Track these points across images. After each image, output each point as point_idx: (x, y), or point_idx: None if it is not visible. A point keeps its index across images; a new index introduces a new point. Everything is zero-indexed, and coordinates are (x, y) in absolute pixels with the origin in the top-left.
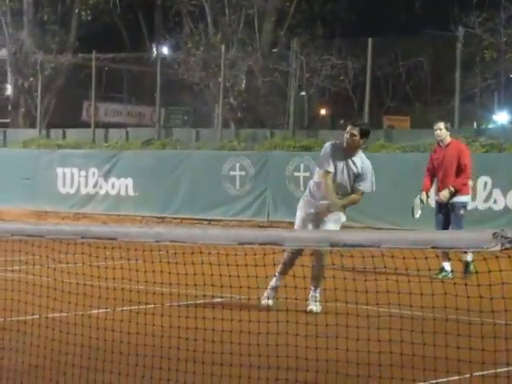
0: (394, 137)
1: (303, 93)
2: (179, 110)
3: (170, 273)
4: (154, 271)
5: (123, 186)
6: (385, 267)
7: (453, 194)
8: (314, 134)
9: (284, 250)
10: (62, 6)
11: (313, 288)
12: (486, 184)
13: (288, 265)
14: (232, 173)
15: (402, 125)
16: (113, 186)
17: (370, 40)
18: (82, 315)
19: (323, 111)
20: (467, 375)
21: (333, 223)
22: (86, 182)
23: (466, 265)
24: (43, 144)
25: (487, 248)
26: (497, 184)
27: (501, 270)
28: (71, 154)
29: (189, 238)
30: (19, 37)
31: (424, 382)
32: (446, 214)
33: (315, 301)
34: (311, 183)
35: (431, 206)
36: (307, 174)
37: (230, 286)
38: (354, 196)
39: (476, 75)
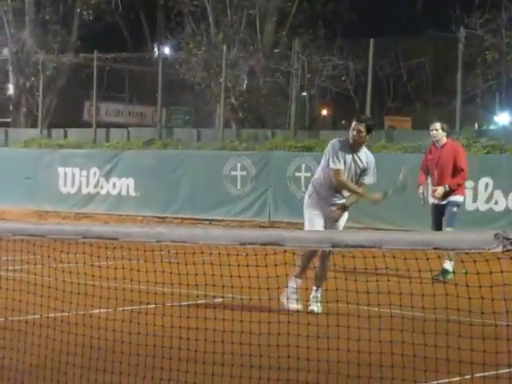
0: (395, 137)
1: (304, 93)
2: (180, 110)
3: (171, 273)
4: (155, 271)
5: (124, 185)
6: (386, 268)
7: (447, 194)
8: (315, 134)
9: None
10: (64, 6)
11: (314, 288)
12: (487, 185)
13: (305, 267)
14: (233, 173)
15: (403, 125)
16: (114, 185)
17: (371, 40)
18: (83, 315)
19: (324, 111)
20: (468, 376)
21: (342, 223)
22: (87, 181)
23: (443, 271)
24: (44, 144)
25: (489, 249)
26: (498, 185)
27: (502, 272)
28: (72, 153)
29: (190, 238)
30: (21, 36)
31: (425, 383)
32: (442, 215)
33: (316, 301)
34: (316, 181)
35: (426, 198)
36: (308, 174)
37: (231, 286)
38: (362, 189)
39: (477, 76)
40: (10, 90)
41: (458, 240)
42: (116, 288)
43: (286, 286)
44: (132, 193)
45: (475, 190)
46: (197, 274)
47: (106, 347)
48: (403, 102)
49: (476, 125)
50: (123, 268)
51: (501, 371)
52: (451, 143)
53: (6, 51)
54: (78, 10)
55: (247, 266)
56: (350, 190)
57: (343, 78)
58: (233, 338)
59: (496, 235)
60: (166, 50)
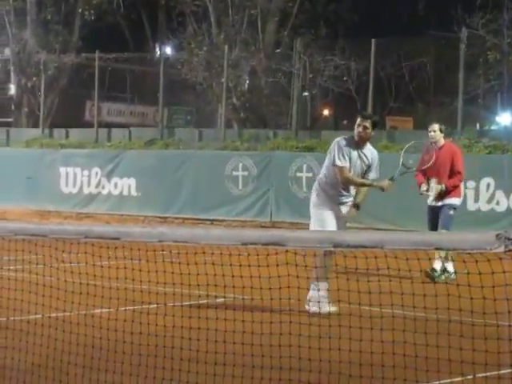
0: (396, 138)
1: (306, 93)
2: (182, 110)
3: (172, 273)
4: (156, 271)
5: (126, 185)
6: (388, 268)
7: (443, 195)
8: (316, 134)
9: (315, 255)
10: (66, 6)
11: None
12: (488, 185)
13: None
14: (235, 173)
15: (405, 126)
16: (115, 185)
17: (373, 41)
18: (85, 315)
19: (326, 112)
20: (470, 376)
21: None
22: (89, 181)
23: (431, 270)
24: (46, 143)
25: (490, 249)
26: (500, 185)
27: (504, 272)
28: (74, 153)
29: (192, 238)
30: (22, 36)
31: (427, 383)
32: (438, 216)
33: (318, 301)
34: (321, 180)
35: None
36: (310, 174)
37: (233, 287)
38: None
39: (479, 76)
40: (12, 89)
41: (460, 240)
42: (118, 288)
43: (318, 290)
44: (133, 193)
45: (477, 190)
46: (198, 274)
47: (108, 347)
48: (405, 102)
49: (478, 125)
50: (125, 268)
51: (503, 371)
52: (449, 145)
53: (7, 51)
54: (80, 10)
55: (249, 266)
56: (357, 184)
57: (345, 78)
58: (234, 338)
59: (498, 235)
60: (168, 50)
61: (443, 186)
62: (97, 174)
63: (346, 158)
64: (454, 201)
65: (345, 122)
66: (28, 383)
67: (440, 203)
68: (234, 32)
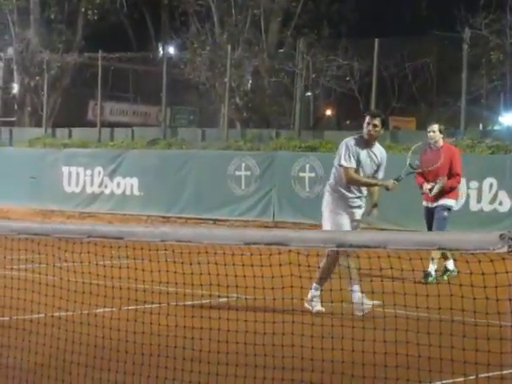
0: (399, 138)
1: (309, 93)
2: (185, 110)
3: (175, 272)
4: (159, 271)
5: (128, 185)
6: (391, 268)
7: (439, 196)
8: (319, 134)
9: (327, 255)
10: (69, 5)
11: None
12: (491, 185)
13: (333, 266)
14: (237, 173)
15: (408, 126)
16: (118, 185)
17: (376, 41)
18: (88, 314)
19: (329, 112)
20: (473, 377)
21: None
22: (92, 181)
23: (427, 274)
24: (49, 143)
25: (493, 250)
26: (502, 185)
27: (507, 272)
28: (77, 153)
29: (194, 238)
30: (26, 36)
31: (429, 383)
32: (433, 217)
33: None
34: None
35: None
36: (312, 174)
37: (236, 286)
38: (375, 180)
39: (482, 77)
40: (15, 89)
41: (463, 240)
42: (120, 287)
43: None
44: (136, 192)
45: (479, 190)
46: (201, 274)
47: (111, 346)
48: (408, 102)
49: (481, 125)
50: (128, 267)
51: (505, 372)
52: (448, 146)
53: (10, 50)
54: (83, 10)
55: (251, 265)
56: (363, 184)
57: (348, 78)
58: (237, 338)
59: (501, 236)
60: (171, 50)
61: (440, 184)
62: (99, 173)
63: (353, 158)
64: (448, 202)
65: (347, 122)
66: (31, 382)
67: (435, 204)
68: (237, 32)
